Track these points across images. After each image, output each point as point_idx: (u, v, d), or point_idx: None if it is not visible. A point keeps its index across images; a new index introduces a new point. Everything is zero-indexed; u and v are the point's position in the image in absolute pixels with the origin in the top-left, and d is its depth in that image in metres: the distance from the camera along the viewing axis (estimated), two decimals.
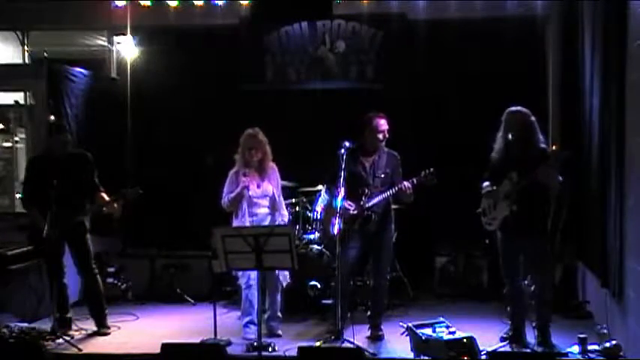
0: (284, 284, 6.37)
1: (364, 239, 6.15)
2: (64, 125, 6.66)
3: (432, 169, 5.92)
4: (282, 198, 6.42)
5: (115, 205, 6.26)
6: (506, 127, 5.73)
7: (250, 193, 6.18)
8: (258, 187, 6.24)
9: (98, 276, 6.59)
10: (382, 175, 6.09)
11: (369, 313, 6.36)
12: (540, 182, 5.51)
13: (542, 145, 5.81)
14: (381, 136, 6.11)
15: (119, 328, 6.64)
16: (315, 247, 7.10)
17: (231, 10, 8.36)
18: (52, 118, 6.83)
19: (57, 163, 6.27)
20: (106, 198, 6.30)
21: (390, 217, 6.28)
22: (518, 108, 5.73)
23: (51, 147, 6.36)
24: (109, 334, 6.46)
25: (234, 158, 6.30)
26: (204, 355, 5.18)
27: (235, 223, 6.21)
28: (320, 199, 7.29)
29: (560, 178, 5.63)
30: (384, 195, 6.05)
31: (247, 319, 6.26)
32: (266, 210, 6.26)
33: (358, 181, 6.07)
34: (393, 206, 7.11)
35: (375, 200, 6.04)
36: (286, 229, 5.38)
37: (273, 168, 6.33)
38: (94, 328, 6.50)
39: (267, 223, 6.19)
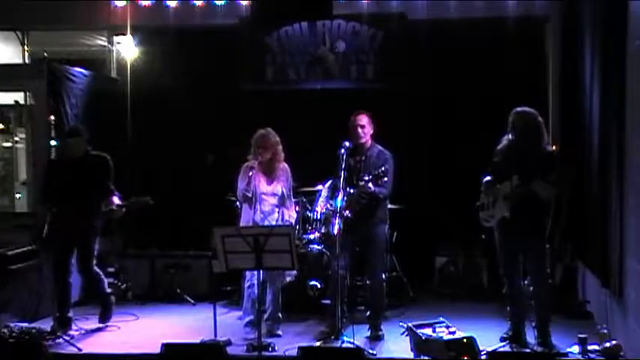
0: (287, 280, 6.42)
1: (355, 239, 6.13)
2: (79, 128, 6.63)
3: (381, 170, 5.88)
4: (292, 199, 6.47)
5: (123, 209, 6.37)
6: (512, 127, 5.73)
7: (261, 189, 6.23)
8: (268, 184, 6.28)
9: (99, 276, 6.61)
10: (376, 173, 6.03)
11: (368, 313, 6.36)
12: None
13: (549, 148, 5.81)
14: (359, 131, 6.10)
15: (119, 328, 6.65)
16: (315, 247, 7.10)
17: (231, 10, 8.36)
18: (52, 118, 6.84)
19: (71, 165, 6.35)
20: (116, 202, 6.34)
21: (380, 218, 6.23)
22: (525, 108, 5.72)
23: (66, 149, 6.45)
24: (107, 325, 6.56)
25: (245, 158, 6.34)
26: (204, 355, 5.18)
27: (244, 218, 6.27)
28: (320, 199, 7.29)
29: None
30: (349, 193, 5.99)
31: (248, 318, 6.27)
32: (274, 208, 6.29)
33: (345, 179, 6.04)
34: (392, 206, 7.13)
35: (340, 198, 5.94)
36: (286, 229, 5.39)
37: (283, 169, 6.35)
38: (94, 328, 6.54)
39: (274, 220, 6.24)
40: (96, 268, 6.60)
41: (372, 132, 6.21)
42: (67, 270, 6.48)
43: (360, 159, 6.16)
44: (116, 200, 6.38)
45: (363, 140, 6.15)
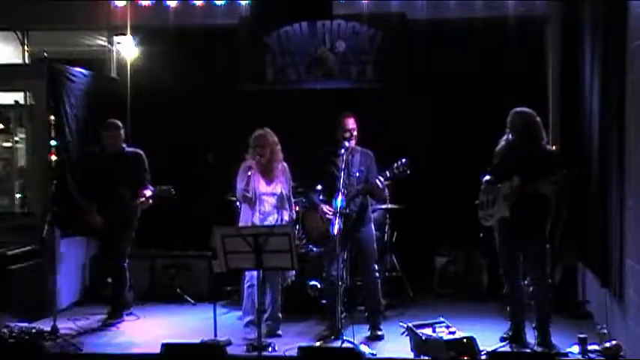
0: (288, 281, 6.47)
1: (346, 240, 6.12)
2: (117, 123, 6.91)
3: (404, 160, 5.86)
4: (292, 199, 6.48)
5: (149, 200, 6.71)
6: (510, 127, 5.73)
7: (260, 190, 6.25)
8: (268, 184, 6.29)
9: (125, 275, 6.86)
10: (357, 174, 6.08)
11: (367, 313, 6.37)
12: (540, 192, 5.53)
13: (549, 148, 5.81)
14: (347, 134, 6.11)
15: (119, 328, 6.65)
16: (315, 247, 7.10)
17: (231, 10, 8.35)
18: (52, 118, 6.86)
19: (107, 160, 6.73)
20: (146, 195, 6.66)
21: (368, 217, 6.28)
22: (523, 109, 5.73)
23: (103, 144, 6.83)
24: (111, 325, 6.68)
25: (244, 157, 6.37)
26: (204, 355, 5.17)
27: (243, 218, 6.28)
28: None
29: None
30: (354, 192, 6.03)
31: (248, 318, 6.28)
32: (274, 209, 6.30)
33: (333, 182, 6.06)
34: (392, 206, 7.14)
35: (341, 198, 5.95)
36: (286, 229, 5.39)
37: (282, 169, 6.36)
38: (94, 328, 6.59)
39: (273, 220, 6.24)
40: (125, 266, 6.85)
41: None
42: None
43: (345, 160, 6.15)
44: (147, 193, 6.66)
45: (353, 142, 6.16)
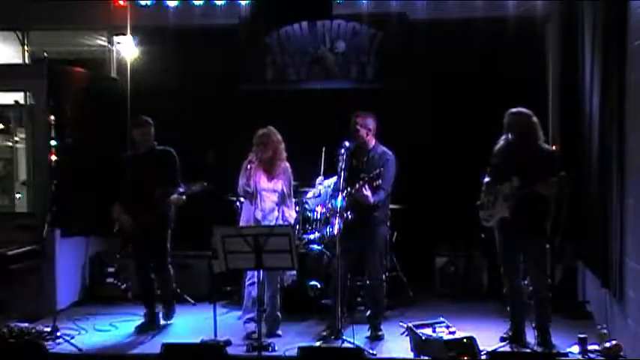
0: (289, 281, 6.50)
1: (355, 239, 6.12)
2: (146, 119, 6.78)
3: (375, 173, 5.84)
4: (292, 198, 6.48)
5: (183, 197, 6.57)
6: (508, 128, 5.74)
7: (261, 185, 6.26)
8: (269, 181, 6.30)
9: (169, 271, 6.82)
10: (369, 175, 5.99)
11: (368, 313, 6.36)
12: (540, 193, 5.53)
13: (546, 146, 5.82)
14: (355, 133, 6.09)
15: (117, 328, 6.65)
16: (315, 247, 7.10)
17: (231, 10, 8.35)
18: (52, 118, 6.85)
19: (139, 160, 6.58)
20: (177, 192, 6.51)
21: (380, 218, 6.21)
22: (520, 109, 5.74)
23: (135, 144, 6.69)
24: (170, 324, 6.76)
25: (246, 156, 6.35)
26: (204, 355, 5.18)
27: (244, 215, 6.31)
28: (320, 198, 7.30)
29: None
30: (349, 193, 5.99)
31: (249, 316, 6.27)
32: (275, 205, 6.31)
33: (345, 181, 6.05)
34: (392, 206, 7.13)
35: (341, 198, 5.93)
36: (286, 229, 5.40)
37: (283, 168, 6.36)
38: (94, 328, 6.57)
39: (273, 218, 6.25)
40: (169, 266, 6.79)
41: (373, 132, 6.20)
42: (149, 266, 6.70)
43: (362, 160, 6.16)
44: (180, 190, 6.53)
45: (361, 141, 6.14)
